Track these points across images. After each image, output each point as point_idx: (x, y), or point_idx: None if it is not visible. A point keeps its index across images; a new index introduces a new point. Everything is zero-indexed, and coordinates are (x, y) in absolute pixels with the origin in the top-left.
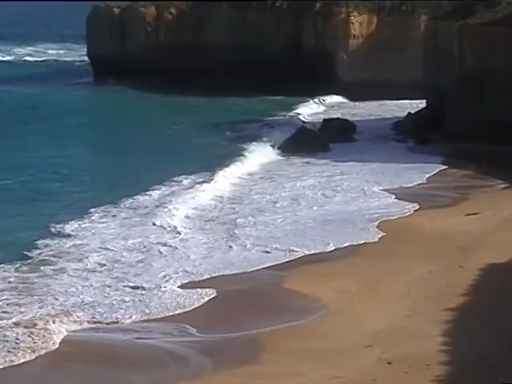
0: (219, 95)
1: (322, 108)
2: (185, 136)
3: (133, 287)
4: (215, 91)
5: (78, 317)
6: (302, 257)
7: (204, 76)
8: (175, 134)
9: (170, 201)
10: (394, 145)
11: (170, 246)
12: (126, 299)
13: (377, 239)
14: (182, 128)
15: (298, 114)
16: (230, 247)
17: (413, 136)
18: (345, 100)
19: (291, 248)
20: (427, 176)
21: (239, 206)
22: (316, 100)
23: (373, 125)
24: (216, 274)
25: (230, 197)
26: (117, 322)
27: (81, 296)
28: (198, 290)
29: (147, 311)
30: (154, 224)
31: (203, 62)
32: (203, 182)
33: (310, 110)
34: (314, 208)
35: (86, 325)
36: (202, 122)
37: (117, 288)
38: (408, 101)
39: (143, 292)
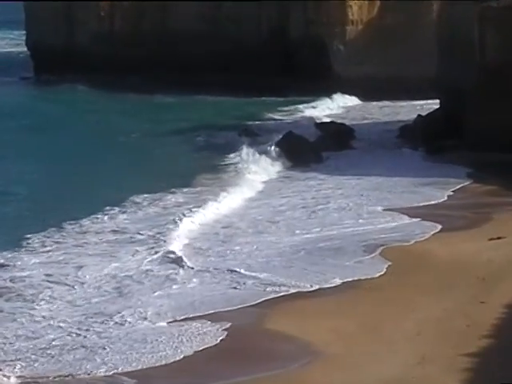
0: (188, 94)
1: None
2: (145, 145)
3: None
4: (183, 89)
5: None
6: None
7: (170, 71)
8: (133, 142)
9: (125, 226)
10: (400, 154)
11: (129, 281)
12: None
13: (380, 269)
14: (143, 135)
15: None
16: (195, 282)
17: (424, 143)
18: (355, 100)
19: (275, 282)
20: (441, 193)
21: (208, 228)
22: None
23: (374, 130)
24: (183, 316)
25: None
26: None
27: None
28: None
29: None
30: (104, 252)
31: (168, 55)
32: (160, 201)
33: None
34: (303, 232)
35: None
36: (167, 127)
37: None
38: (417, 101)
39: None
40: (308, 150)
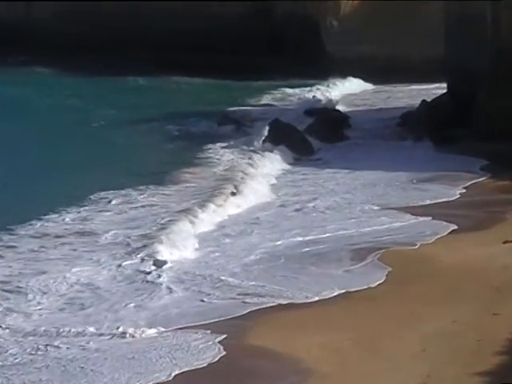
0: (163, 75)
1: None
2: (111, 135)
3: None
4: (158, 71)
5: None
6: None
7: (140, 50)
8: (98, 131)
9: (86, 227)
10: (402, 145)
11: (97, 291)
12: None
13: (378, 277)
14: (108, 123)
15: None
16: (171, 291)
17: (429, 133)
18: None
19: (259, 292)
20: (449, 189)
21: (183, 229)
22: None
23: (371, 117)
24: (153, 332)
25: None
26: None
27: None
28: None
29: None
30: (66, 257)
31: (138, 32)
32: (128, 201)
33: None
34: (290, 235)
35: None
36: (137, 114)
37: None
38: (422, 85)
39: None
40: (296, 141)
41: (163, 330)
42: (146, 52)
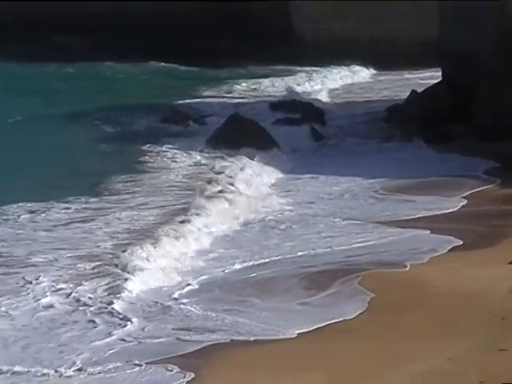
0: (95, 61)
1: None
2: (30, 133)
3: None
4: (88, 56)
5: None
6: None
7: (71, 34)
8: (15, 128)
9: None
10: (387, 146)
11: (24, 328)
12: None
13: (359, 305)
14: (28, 118)
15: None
16: (94, 324)
17: (420, 130)
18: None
19: (211, 326)
20: (444, 199)
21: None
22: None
23: (351, 111)
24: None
25: None
26: None
27: None
28: None
29: None
30: None
31: (67, 15)
32: (50, 217)
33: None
34: (246, 256)
35: None
36: (64, 107)
37: None
38: (411, 72)
39: None
40: (259, 140)
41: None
42: (73, 37)
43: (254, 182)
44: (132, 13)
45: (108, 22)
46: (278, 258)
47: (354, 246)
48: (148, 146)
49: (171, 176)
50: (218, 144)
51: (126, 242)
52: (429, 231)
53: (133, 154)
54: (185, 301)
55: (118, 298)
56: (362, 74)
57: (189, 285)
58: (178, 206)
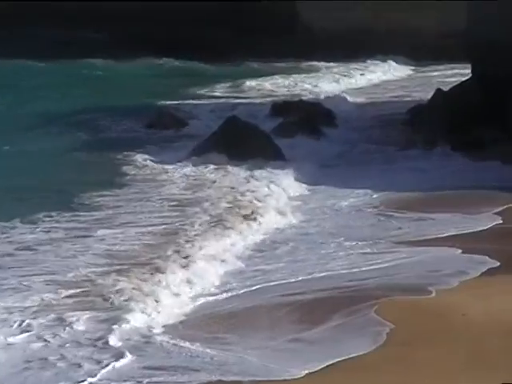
0: (72, 57)
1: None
2: None
3: None
4: (64, 51)
5: None
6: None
7: (49, 25)
8: None
9: None
10: (407, 154)
11: None
12: None
13: (376, 338)
14: None
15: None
16: (66, 362)
17: (447, 135)
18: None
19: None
20: (477, 215)
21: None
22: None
23: (365, 113)
24: None
25: None
26: None
27: None
28: None
29: None
30: None
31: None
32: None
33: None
34: (240, 281)
35: None
36: (34, 109)
37: None
38: (434, 68)
39: None
40: (259, 146)
41: None
42: (51, 28)
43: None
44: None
45: (91, 12)
46: (278, 282)
47: (367, 268)
48: (130, 154)
49: (161, 190)
50: (212, 152)
51: (108, 269)
52: (459, 250)
53: (113, 164)
54: (166, 336)
55: (102, 333)
56: (385, 70)
57: (173, 317)
58: (170, 226)
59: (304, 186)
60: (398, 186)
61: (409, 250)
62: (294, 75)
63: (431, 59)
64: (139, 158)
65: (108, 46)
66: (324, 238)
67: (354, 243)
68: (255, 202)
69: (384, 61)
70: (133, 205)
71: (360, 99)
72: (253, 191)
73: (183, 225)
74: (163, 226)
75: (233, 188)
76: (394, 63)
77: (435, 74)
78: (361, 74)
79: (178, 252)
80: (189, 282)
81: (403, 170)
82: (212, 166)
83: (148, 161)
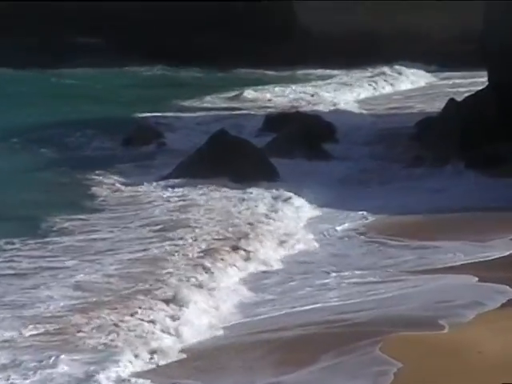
0: (44, 66)
1: None
2: None
3: None
4: (34, 60)
5: None
6: None
7: (21, 29)
8: None
9: None
10: (414, 173)
11: None
12: None
13: (382, 378)
14: None
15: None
16: None
17: (460, 150)
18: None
19: None
20: (494, 240)
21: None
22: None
23: (368, 126)
24: None
25: None
26: None
27: None
28: None
29: None
30: None
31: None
32: None
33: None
34: (230, 320)
35: None
36: None
37: None
38: (444, 76)
39: None
40: (250, 165)
41: None
42: (23, 33)
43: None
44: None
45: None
46: (263, 317)
47: (365, 299)
48: (104, 174)
49: (139, 214)
50: (197, 171)
51: (82, 304)
52: (475, 278)
53: (83, 185)
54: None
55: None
56: (395, 78)
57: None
58: (152, 254)
59: (299, 209)
60: (400, 208)
61: (414, 278)
62: (291, 84)
63: (449, 66)
64: (114, 177)
65: (97, 51)
66: (318, 267)
67: (349, 273)
68: (245, 227)
69: (393, 67)
70: (107, 230)
71: (364, 111)
72: (243, 215)
73: (166, 253)
74: (143, 254)
75: (222, 211)
76: (406, 69)
77: (453, 82)
78: (369, 84)
79: (160, 284)
80: (173, 318)
81: (408, 191)
82: (198, 187)
83: (124, 181)
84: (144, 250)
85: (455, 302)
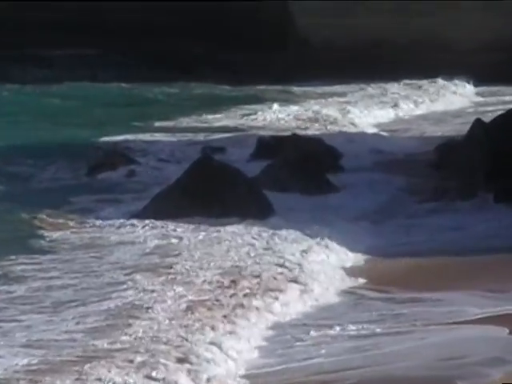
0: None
1: None
2: None
3: None
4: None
5: None
6: None
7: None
8: None
9: None
10: (433, 208)
11: None
12: None
13: None
14: None
15: None
16: None
17: (489, 181)
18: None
19: None
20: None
21: None
22: None
23: (382, 153)
24: None
25: None
26: None
27: None
28: None
29: None
30: None
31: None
32: None
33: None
34: None
35: None
36: None
37: None
38: (468, 90)
39: None
40: (240, 198)
41: None
42: None
43: None
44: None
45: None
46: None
47: (355, 355)
48: (62, 209)
49: (106, 257)
50: (176, 205)
51: (38, 366)
52: (506, 330)
53: (35, 223)
54: None
55: None
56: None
57: None
58: (123, 305)
59: (294, 251)
60: (406, 248)
61: (419, 329)
62: (288, 101)
63: (495, 80)
64: (74, 214)
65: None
66: (303, 322)
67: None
68: (234, 271)
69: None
70: (69, 277)
71: (376, 133)
72: (231, 259)
73: (139, 304)
74: (112, 305)
75: (207, 255)
76: (444, 82)
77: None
78: (392, 106)
79: (133, 341)
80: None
81: (421, 228)
82: (177, 224)
83: (87, 218)
84: (113, 299)
85: (473, 356)
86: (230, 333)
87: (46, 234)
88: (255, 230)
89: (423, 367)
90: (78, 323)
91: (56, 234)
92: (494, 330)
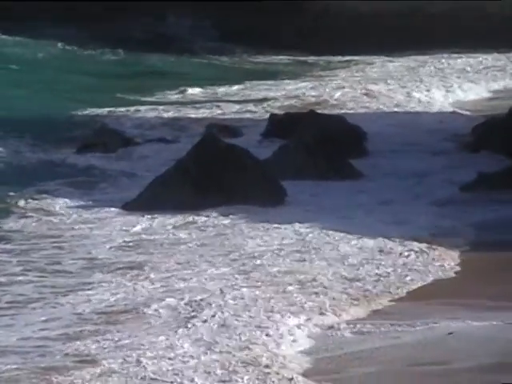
0: None
1: None
2: None
3: None
4: None
5: None
6: None
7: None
8: None
9: None
10: (471, 197)
11: None
12: None
13: None
14: None
15: None
16: None
17: None
18: None
19: None
20: None
21: None
22: None
23: (410, 132)
24: None
25: None
26: None
27: None
28: None
29: None
30: None
31: None
32: None
33: None
34: None
35: None
36: None
37: None
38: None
39: None
40: (250, 183)
41: None
42: None
43: None
44: None
45: None
46: None
47: None
48: (39, 195)
49: (89, 250)
50: (177, 190)
51: None
52: None
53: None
54: None
55: None
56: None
57: None
58: (105, 310)
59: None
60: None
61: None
62: (313, 75)
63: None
64: (56, 201)
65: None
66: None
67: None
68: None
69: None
70: (34, 275)
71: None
72: (234, 257)
73: (127, 309)
74: (88, 311)
75: (208, 248)
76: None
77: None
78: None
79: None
80: None
81: (466, 219)
82: (175, 215)
83: (68, 206)
84: (85, 302)
85: None
86: None
87: (16, 223)
88: (261, 218)
89: None
90: (42, 328)
91: (26, 225)
92: None
